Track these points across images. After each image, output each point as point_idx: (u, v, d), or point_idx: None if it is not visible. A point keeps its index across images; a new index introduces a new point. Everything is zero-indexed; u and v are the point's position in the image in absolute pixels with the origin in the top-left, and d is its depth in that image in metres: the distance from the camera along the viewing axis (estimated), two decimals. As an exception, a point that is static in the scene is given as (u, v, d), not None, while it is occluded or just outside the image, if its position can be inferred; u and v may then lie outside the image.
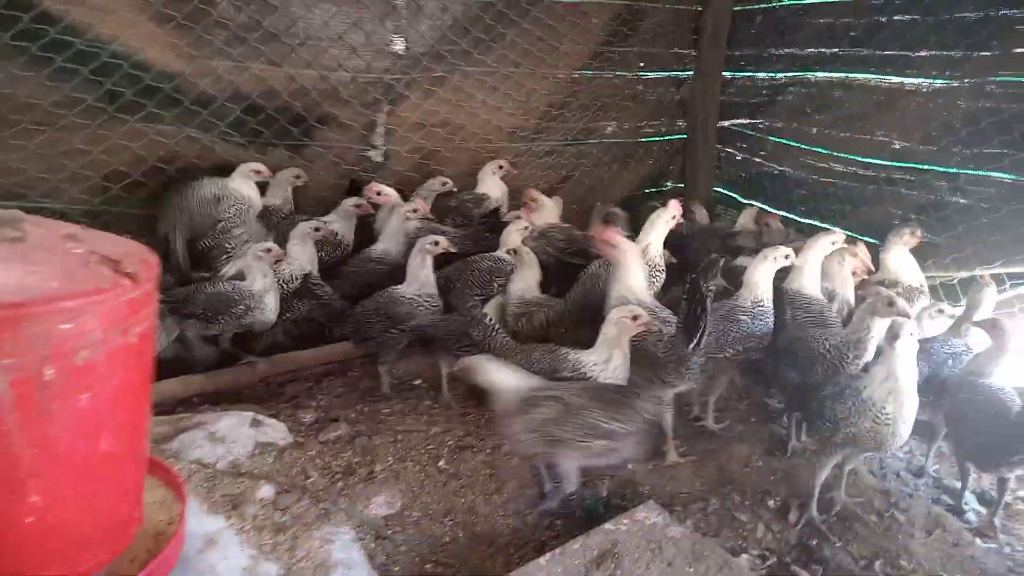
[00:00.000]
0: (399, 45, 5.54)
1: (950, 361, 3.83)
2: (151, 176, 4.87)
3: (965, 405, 3.53)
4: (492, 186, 6.12)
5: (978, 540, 3.48)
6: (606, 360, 3.62)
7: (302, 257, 4.79)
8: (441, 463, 3.89)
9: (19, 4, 4.09)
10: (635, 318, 3.62)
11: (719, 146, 7.22)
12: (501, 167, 6.16)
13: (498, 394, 3.38)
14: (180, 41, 4.61)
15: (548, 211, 5.89)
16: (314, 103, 5.32)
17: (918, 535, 3.46)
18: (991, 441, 3.37)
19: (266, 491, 3.61)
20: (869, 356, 3.65)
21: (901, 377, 3.17)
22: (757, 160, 6.81)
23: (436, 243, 4.52)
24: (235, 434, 3.95)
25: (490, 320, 4.03)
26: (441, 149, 6.15)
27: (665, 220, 4.48)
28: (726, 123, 7.20)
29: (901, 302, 3.51)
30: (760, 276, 4.09)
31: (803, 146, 6.28)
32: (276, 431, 3.97)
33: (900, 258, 4.60)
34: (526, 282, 4.58)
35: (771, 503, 3.66)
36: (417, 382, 4.87)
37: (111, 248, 2.57)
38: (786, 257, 4.12)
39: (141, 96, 4.62)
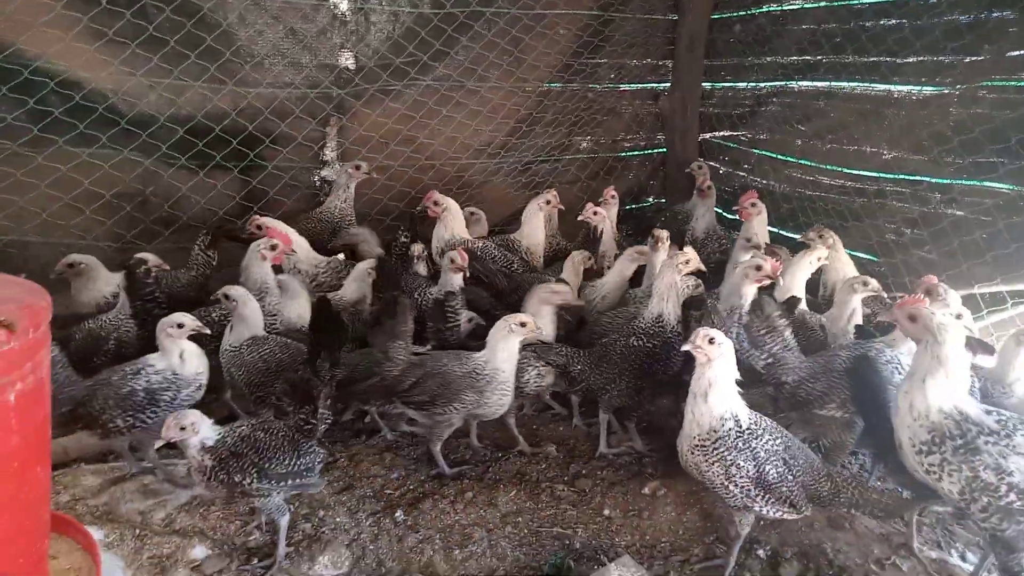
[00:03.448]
0: (349, 58, 5.25)
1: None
2: (87, 202, 4.50)
3: None
4: (536, 228, 5.32)
5: None
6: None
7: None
8: (398, 514, 3.52)
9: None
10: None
11: (700, 159, 6.93)
12: (549, 202, 5.36)
13: None
14: (113, 59, 4.27)
15: (454, 215, 5.10)
16: (265, 122, 4.98)
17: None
18: None
19: (198, 551, 3.24)
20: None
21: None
22: (740, 174, 6.52)
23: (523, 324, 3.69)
24: (169, 485, 3.58)
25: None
26: (406, 168, 5.83)
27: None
28: (707, 135, 6.91)
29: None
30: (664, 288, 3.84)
31: (788, 158, 5.99)
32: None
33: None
34: None
35: (761, 552, 3.31)
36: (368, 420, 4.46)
37: (-13, 291, 2.22)
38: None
39: (70, 116, 4.27)
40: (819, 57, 5.65)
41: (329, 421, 3.30)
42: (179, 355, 3.44)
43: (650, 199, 7.33)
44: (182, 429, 2.95)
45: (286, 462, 3.06)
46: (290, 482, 3.08)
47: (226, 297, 3.75)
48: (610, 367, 3.89)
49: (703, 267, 3.99)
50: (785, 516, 3.05)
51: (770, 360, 3.59)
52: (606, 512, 3.58)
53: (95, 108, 4.33)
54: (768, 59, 6.14)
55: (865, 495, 3.03)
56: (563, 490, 3.76)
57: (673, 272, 3.84)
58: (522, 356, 3.81)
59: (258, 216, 4.60)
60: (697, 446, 3.01)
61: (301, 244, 4.68)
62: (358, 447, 4.11)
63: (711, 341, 3.04)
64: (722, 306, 3.87)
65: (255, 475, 3.00)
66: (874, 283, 4.08)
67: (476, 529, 3.43)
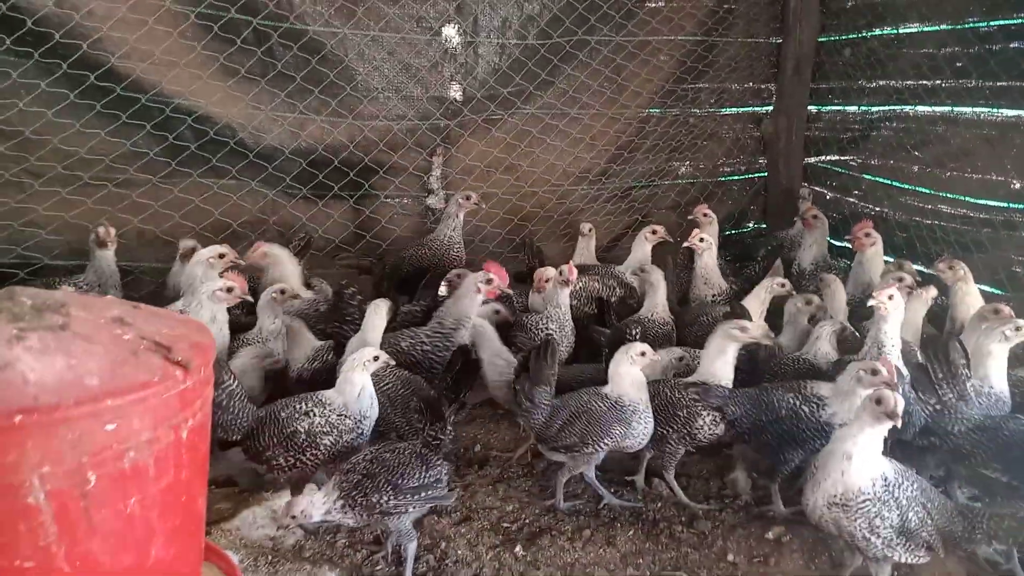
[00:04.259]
0: (457, 90, 5.36)
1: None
2: (214, 232, 4.72)
3: None
4: (641, 254, 5.28)
5: None
6: None
7: None
8: (518, 549, 3.51)
9: (88, 62, 4.02)
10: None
11: (804, 184, 6.74)
12: (655, 232, 5.36)
13: None
14: (244, 95, 4.48)
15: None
16: (379, 154, 5.13)
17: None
18: None
19: (329, 579, 3.33)
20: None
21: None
22: (850, 200, 6.30)
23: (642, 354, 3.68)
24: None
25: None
26: (509, 196, 5.88)
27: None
28: (812, 160, 6.72)
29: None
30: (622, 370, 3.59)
31: (904, 185, 5.76)
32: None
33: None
34: None
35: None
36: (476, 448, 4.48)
37: (162, 331, 2.33)
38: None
39: (204, 150, 4.50)
40: (939, 81, 5.42)
41: (452, 437, 3.35)
42: (359, 392, 3.44)
43: (750, 223, 7.18)
44: (293, 518, 3.03)
45: (416, 476, 3.14)
46: (423, 494, 3.15)
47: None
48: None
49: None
50: (921, 560, 2.92)
51: (938, 408, 3.42)
52: (730, 557, 3.48)
53: (226, 142, 4.54)
54: (881, 83, 5.94)
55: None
56: (682, 531, 3.68)
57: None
58: (690, 401, 3.69)
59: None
60: (838, 504, 2.90)
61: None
62: (471, 477, 4.14)
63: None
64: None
65: (391, 492, 3.07)
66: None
67: (597, 569, 3.39)
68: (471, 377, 3.52)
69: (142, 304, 2.69)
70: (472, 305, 4.08)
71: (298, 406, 3.44)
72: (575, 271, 4.34)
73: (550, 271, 4.55)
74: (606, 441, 3.55)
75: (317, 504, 3.08)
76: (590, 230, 5.66)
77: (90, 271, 4.11)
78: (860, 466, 2.87)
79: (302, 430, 3.38)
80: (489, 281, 4.05)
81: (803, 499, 3.06)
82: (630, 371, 3.59)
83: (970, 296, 4.46)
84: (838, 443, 2.95)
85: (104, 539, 2.03)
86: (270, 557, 3.38)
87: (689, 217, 5.61)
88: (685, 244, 5.24)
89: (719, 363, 3.70)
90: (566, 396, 3.75)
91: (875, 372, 3.22)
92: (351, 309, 3.99)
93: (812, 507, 3.01)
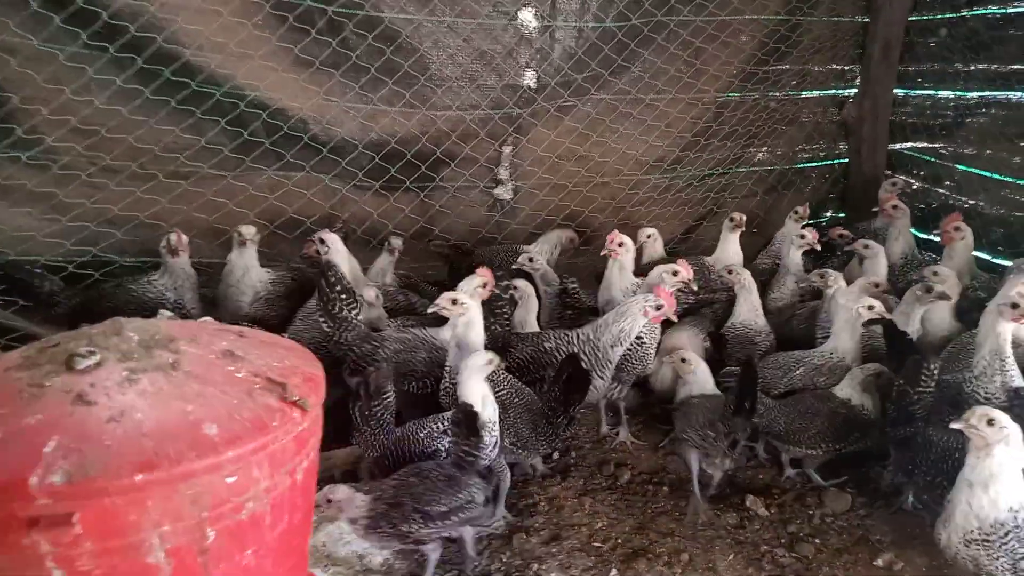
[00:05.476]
0: (531, 78, 5.12)
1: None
2: (287, 229, 4.59)
3: None
4: (733, 252, 5.07)
5: None
6: None
7: None
8: (613, 573, 3.36)
9: (163, 57, 3.88)
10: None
11: (888, 172, 6.38)
12: (733, 219, 5.11)
13: None
14: (318, 87, 4.31)
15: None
16: (450, 145, 4.94)
17: None
18: None
19: (419, 598, 3.22)
20: None
21: None
22: (940, 191, 5.95)
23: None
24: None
25: None
26: (579, 187, 5.65)
27: None
28: (898, 146, 6.36)
29: None
30: None
31: (1004, 178, 5.40)
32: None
33: None
34: None
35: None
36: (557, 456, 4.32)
37: (274, 364, 2.19)
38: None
39: (278, 145, 4.35)
40: (1049, 66, 5.04)
41: (492, 454, 3.18)
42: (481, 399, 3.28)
43: (828, 213, 6.85)
44: (328, 502, 2.91)
45: (444, 500, 2.99)
46: (454, 518, 3.01)
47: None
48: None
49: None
50: None
51: None
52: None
53: (300, 137, 4.39)
54: (981, 66, 5.54)
55: None
56: (784, 556, 3.50)
57: None
58: None
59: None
60: (977, 540, 2.69)
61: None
62: (554, 488, 3.99)
63: (990, 423, 2.69)
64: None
65: (420, 520, 2.93)
66: None
67: (700, 599, 3.24)
68: (583, 389, 3.34)
69: (247, 330, 2.56)
70: (636, 326, 3.82)
71: (434, 426, 3.35)
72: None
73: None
74: None
75: (356, 504, 2.95)
76: (649, 236, 5.17)
77: (164, 275, 4.01)
78: (997, 495, 2.68)
79: (442, 448, 3.29)
80: (659, 307, 3.76)
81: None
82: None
83: None
84: (972, 471, 2.74)
85: (220, 594, 1.92)
86: (358, 575, 3.29)
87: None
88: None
89: None
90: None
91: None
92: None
93: (947, 544, 2.82)
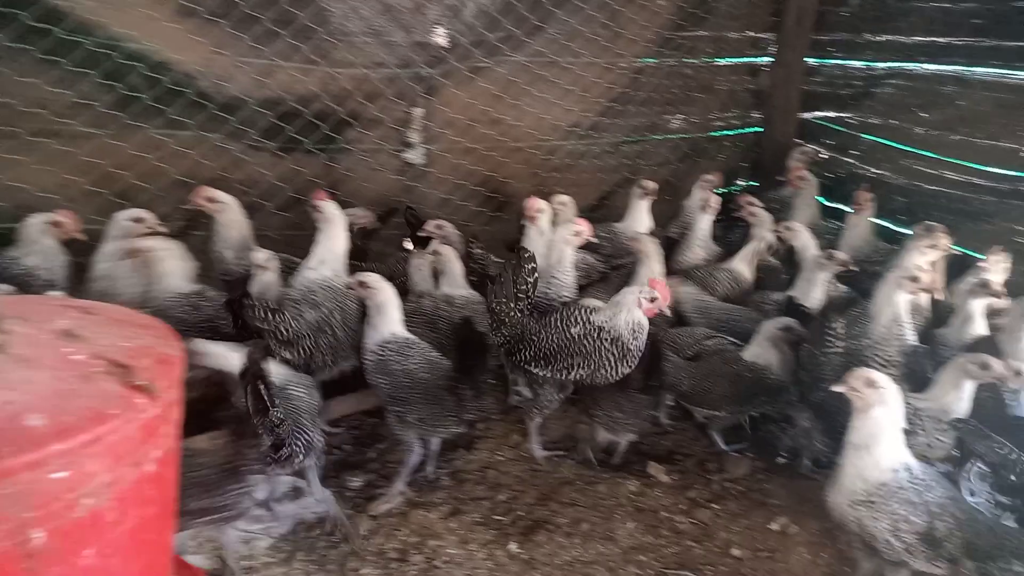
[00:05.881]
0: (442, 36, 4.89)
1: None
2: (171, 192, 4.26)
3: None
4: (642, 217, 5.13)
5: None
6: None
7: None
8: (512, 546, 3.32)
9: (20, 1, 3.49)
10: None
11: (798, 141, 6.45)
12: (643, 187, 5.12)
13: None
14: (205, 39, 3.97)
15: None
16: (356, 105, 4.68)
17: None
18: None
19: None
20: None
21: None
22: (847, 160, 6.05)
23: None
24: (273, 507, 3.41)
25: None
26: (493, 151, 5.48)
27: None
28: (808, 115, 6.43)
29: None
30: None
31: (906, 148, 5.51)
32: (320, 503, 3.41)
33: None
34: None
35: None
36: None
37: (120, 344, 1.99)
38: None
39: (161, 101, 4.01)
40: (952, 39, 5.13)
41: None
42: None
43: (739, 182, 6.89)
44: None
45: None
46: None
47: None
48: None
49: None
50: (939, 572, 2.79)
51: None
52: (734, 552, 3.35)
53: (185, 92, 4.06)
54: (889, 37, 5.62)
55: None
56: (683, 522, 3.53)
57: None
58: None
59: None
60: (862, 501, 2.75)
61: None
62: (458, 462, 3.91)
63: (870, 384, 2.76)
64: None
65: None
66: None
67: (598, 569, 3.23)
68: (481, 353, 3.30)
69: (97, 305, 2.33)
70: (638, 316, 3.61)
71: None
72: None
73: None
74: None
75: None
76: (563, 203, 5.02)
77: (33, 253, 3.64)
78: (880, 455, 2.77)
79: None
80: (653, 299, 3.58)
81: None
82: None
83: None
84: (854, 433, 2.84)
85: (56, 598, 1.74)
86: (245, 563, 3.13)
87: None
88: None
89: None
90: None
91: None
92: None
93: (834, 507, 2.90)
